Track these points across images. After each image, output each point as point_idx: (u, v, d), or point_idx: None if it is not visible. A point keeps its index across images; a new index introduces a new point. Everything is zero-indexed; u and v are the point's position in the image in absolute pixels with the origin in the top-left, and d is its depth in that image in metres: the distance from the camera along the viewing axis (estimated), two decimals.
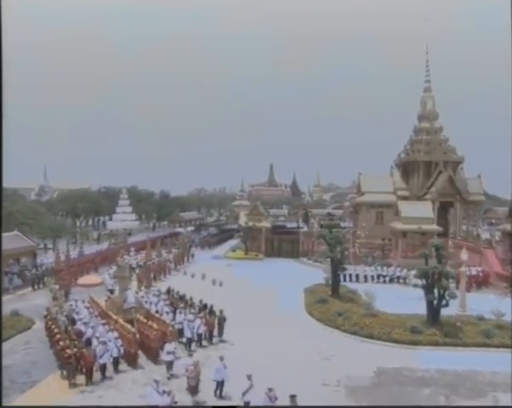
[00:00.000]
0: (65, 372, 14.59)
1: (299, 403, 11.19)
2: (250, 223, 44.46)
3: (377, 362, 16.29)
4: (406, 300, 23.54)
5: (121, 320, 17.31)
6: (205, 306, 19.70)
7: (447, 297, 19.01)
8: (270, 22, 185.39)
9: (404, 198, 41.62)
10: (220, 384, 13.37)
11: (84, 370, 14.40)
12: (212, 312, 18.96)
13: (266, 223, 45.58)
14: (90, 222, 68.53)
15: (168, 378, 14.55)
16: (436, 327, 18.87)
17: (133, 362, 15.66)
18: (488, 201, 58.60)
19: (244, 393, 11.94)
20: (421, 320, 19.60)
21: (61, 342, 15.00)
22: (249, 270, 35.14)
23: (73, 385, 14.10)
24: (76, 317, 18.70)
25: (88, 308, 20.05)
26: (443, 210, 42.23)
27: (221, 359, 13.70)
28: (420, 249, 31.24)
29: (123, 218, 54.33)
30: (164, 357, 15.15)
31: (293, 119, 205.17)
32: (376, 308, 21.45)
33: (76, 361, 14.38)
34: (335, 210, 79.30)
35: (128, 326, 16.49)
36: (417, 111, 46.61)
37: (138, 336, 15.96)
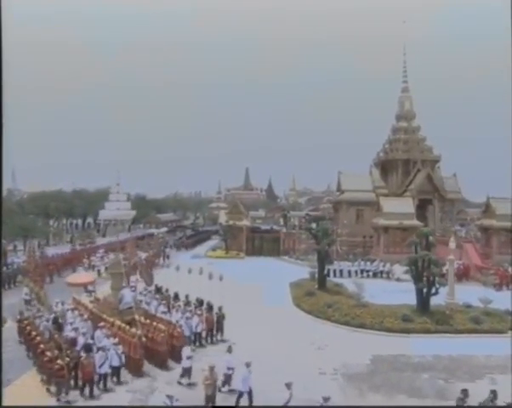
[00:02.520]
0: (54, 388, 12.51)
1: (298, 392, 10.92)
2: (230, 222, 43.83)
3: (371, 350, 16.11)
4: (392, 293, 23.64)
5: (118, 323, 15.55)
6: (201, 303, 18.75)
7: (437, 285, 19.04)
8: (246, 27, 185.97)
9: (383, 196, 42.04)
10: (248, 395, 11.60)
11: (82, 382, 12.55)
12: (211, 309, 17.78)
13: (247, 222, 45.08)
14: (64, 221, 65.82)
15: (188, 384, 13.10)
16: (427, 315, 18.89)
17: (137, 369, 13.98)
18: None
19: (285, 404, 10.70)
20: (411, 309, 19.57)
21: (48, 353, 12.77)
22: (232, 268, 34.24)
23: (66, 402, 12.01)
24: (60, 321, 16.81)
25: (73, 310, 17.88)
26: (421, 207, 42.96)
27: (248, 365, 11.73)
28: (401, 245, 31.70)
29: (118, 207, 51.37)
30: (183, 363, 13.32)
31: (269, 124, 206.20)
32: (364, 299, 21.33)
33: (69, 373, 12.41)
34: (312, 212, 79.70)
35: (132, 329, 14.71)
36: (393, 113, 47.49)
37: (144, 339, 14.31)
